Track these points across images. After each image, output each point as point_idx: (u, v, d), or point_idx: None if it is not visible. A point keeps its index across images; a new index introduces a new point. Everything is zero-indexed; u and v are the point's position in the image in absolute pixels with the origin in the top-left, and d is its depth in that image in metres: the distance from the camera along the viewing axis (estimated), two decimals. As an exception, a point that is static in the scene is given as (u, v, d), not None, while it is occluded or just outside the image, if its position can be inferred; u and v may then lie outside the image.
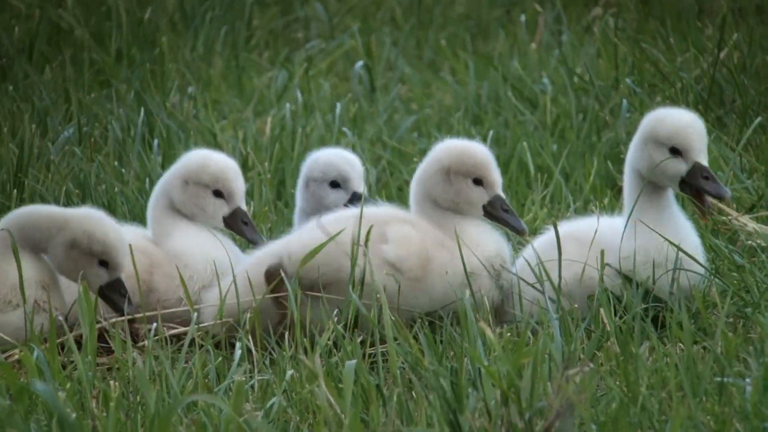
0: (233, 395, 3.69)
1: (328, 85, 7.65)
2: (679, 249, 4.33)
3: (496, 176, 4.49)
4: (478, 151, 4.50)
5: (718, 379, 3.75)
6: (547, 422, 3.57)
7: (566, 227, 4.50)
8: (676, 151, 4.38)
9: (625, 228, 4.38)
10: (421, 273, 4.42)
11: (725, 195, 4.34)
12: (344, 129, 6.62)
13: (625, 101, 6.84)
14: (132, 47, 7.75)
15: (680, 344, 4.21)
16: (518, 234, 4.48)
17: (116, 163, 6.22)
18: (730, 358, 3.88)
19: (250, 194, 6.05)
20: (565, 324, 4.27)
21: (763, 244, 4.74)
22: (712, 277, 4.43)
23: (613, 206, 5.52)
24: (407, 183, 6.38)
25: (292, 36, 8.60)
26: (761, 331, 4.03)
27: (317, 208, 4.78)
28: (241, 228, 4.58)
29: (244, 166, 6.39)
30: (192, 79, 7.51)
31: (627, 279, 4.36)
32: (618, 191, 6.13)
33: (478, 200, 4.47)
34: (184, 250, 4.55)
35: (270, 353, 4.38)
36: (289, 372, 4.06)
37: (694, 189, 4.37)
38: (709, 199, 4.35)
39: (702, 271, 4.35)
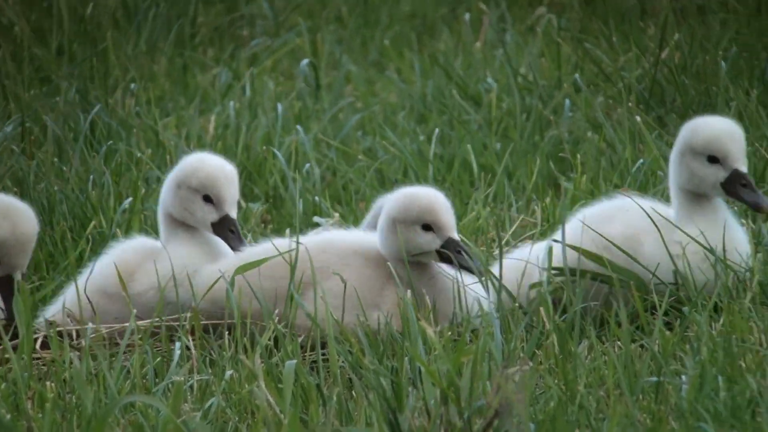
0: (172, 396, 3.66)
1: (272, 83, 7.62)
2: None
3: (445, 219, 4.36)
4: (422, 197, 4.40)
5: (655, 378, 3.78)
6: (486, 421, 3.57)
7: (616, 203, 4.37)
8: (714, 159, 4.31)
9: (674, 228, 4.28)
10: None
11: (762, 205, 4.24)
12: (298, 127, 6.59)
13: (567, 101, 6.88)
14: (73, 43, 7.67)
15: (618, 343, 4.24)
16: (474, 275, 4.38)
17: (56, 160, 6.15)
18: (667, 356, 3.92)
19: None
20: (506, 323, 4.28)
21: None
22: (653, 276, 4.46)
23: (554, 205, 5.55)
24: (351, 182, 6.38)
25: (237, 33, 8.56)
26: (697, 330, 4.07)
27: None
28: (226, 236, 4.52)
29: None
30: (135, 75, 7.44)
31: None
32: (558, 189, 6.18)
33: (429, 247, 4.39)
34: (167, 261, 4.50)
35: (209, 353, 4.35)
36: (229, 372, 4.03)
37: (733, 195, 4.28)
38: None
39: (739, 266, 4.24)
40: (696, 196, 4.36)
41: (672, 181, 4.40)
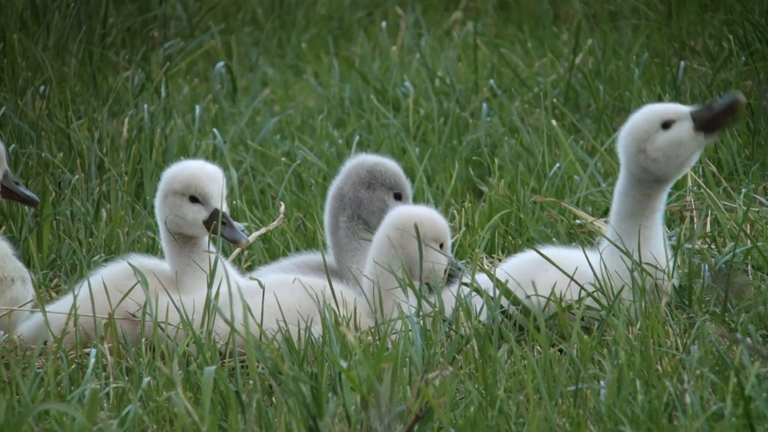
0: (87, 403, 3.59)
1: (187, 85, 7.54)
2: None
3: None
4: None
5: (573, 387, 3.80)
6: (406, 426, 3.57)
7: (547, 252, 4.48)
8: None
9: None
10: None
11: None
12: (214, 130, 6.52)
13: (485, 105, 6.91)
14: (-20, 45, 7.50)
15: (538, 347, 4.26)
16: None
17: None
18: (585, 361, 3.95)
19: (106, 197, 5.91)
20: (425, 328, 4.28)
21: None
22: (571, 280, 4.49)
23: (473, 210, 5.57)
24: (270, 186, 6.33)
25: (150, 35, 8.45)
26: (615, 334, 4.10)
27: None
28: (218, 229, 4.51)
29: (100, 169, 6.25)
30: (50, 76, 7.30)
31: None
32: (477, 194, 6.20)
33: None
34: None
35: (126, 360, 4.28)
36: (146, 379, 3.97)
37: None
38: None
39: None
40: (636, 217, 4.44)
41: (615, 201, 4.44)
